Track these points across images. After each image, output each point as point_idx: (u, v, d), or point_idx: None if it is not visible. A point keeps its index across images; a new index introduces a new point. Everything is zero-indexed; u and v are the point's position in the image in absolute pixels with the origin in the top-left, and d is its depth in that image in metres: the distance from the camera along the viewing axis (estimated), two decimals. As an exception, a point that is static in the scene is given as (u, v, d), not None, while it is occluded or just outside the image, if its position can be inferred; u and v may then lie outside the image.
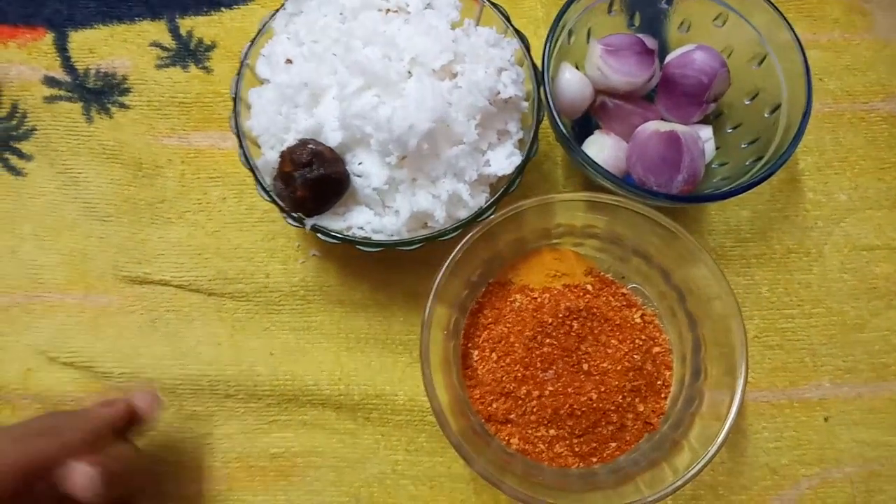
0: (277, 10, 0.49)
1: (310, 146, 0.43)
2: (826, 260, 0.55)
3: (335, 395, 0.51)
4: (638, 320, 0.50)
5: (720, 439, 0.43)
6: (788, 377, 0.53)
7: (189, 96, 0.57)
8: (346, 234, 0.46)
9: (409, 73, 0.45)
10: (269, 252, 0.54)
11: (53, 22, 0.58)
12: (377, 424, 0.51)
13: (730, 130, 0.54)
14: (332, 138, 0.45)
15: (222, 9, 0.59)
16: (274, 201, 0.46)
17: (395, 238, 0.46)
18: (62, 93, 0.56)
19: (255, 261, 0.54)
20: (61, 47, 0.58)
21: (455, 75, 0.46)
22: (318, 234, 0.46)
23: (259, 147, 0.48)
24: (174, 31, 0.58)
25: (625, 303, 0.51)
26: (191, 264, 0.54)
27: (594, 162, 0.48)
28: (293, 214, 0.46)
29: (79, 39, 0.58)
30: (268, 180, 0.46)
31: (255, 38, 0.48)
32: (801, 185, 0.57)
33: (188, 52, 0.58)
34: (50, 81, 0.57)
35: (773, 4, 0.51)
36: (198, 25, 0.59)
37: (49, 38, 0.58)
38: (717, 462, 0.51)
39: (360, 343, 0.53)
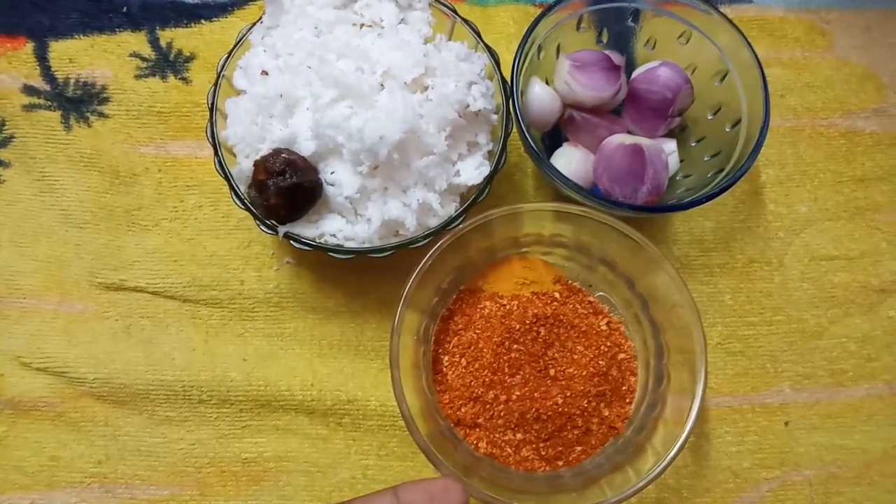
0: (255, 24, 0.50)
1: (283, 155, 0.44)
2: (786, 269, 0.57)
3: (307, 400, 0.52)
4: (604, 327, 0.52)
5: (680, 442, 0.44)
6: (750, 383, 0.55)
7: (167, 106, 0.58)
8: (318, 241, 0.47)
9: (382, 85, 0.46)
10: (243, 259, 0.55)
11: (34, 31, 0.59)
12: (349, 430, 0.52)
13: (694, 144, 0.56)
14: (306, 148, 0.46)
15: (202, 21, 0.60)
16: (248, 209, 0.47)
17: (366, 245, 0.47)
18: (41, 101, 0.57)
19: (229, 268, 0.55)
20: (41, 56, 0.58)
21: (426, 88, 0.47)
22: (292, 242, 0.47)
23: (235, 156, 0.49)
24: (154, 43, 0.59)
25: (591, 310, 0.52)
26: (166, 271, 0.54)
27: (561, 174, 0.49)
28: (267, 222, 0.47)
29: (59, 49, 0.59)
30: (242, 188, 0.48)
31: (232, 51, 0.50)
32: (762, 197, 0.59)
33: (167, 63, 0.59)
34: (29, 90, 0.57)
35: (734, 24, 0.53)
36: (177, 37, 0.60)
37: (29, 47, 0.59)
38: (681, 465, 0.52)
39: (332, 349, 0.54)
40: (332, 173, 0.46)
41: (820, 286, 0.57)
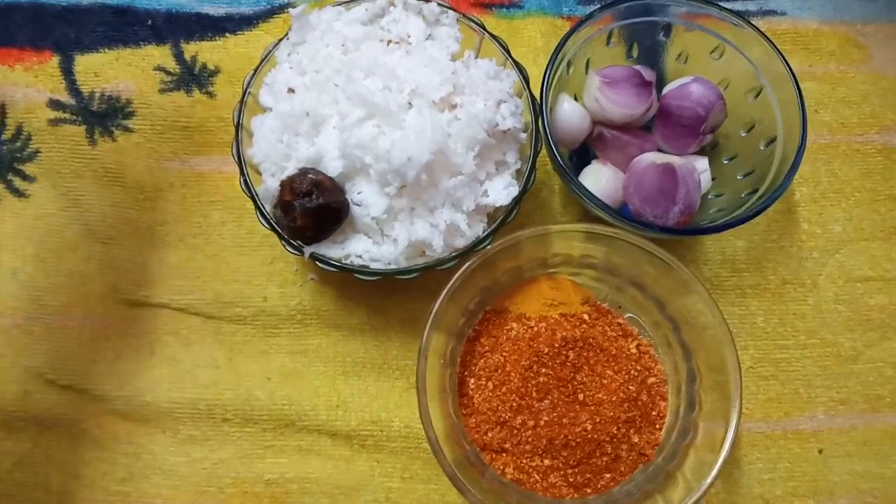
0: (281, 40, 0.50)
1: (310, 175, 0.44)
2: (821, 291, 0.56)
3: (331, 420, 0.51)
4: (633, 350, 0.50)
5: (714, 473, 0.43)
6: (783, 408, 0.53)
7: (192, 121, 0.58)
8: (344, 262, 0.46)
9: (410, 103, 0.46)
10: (267, 276, 0.55)
11: (60, 45, 0.59)
12: (372, 451, 0.51)
13: (726, 161, 0.55)
14: (333, 167, 0.45)
15: (227, 35, 0.60)
16: (273, 229, 0.46)
17: (392, 267, 0.46)
18: (66, 115, 0.57)
19: (253, 284, 0.54)
20: (67, 70, 0.58)
21: (454, 107, 0.46)
22: (317, 263, 0.46)
23: (260, 174, 0.48)
24: (178, 56, 0.59)
25: (621, 333, 0.51)
26: (189, 287, 0.54)
27: (591, 193, 0.48)
28: (292, 242, 0.46)
29: (84, 63, 0.59)
30: (268, 207, 0.47)
31: (258, 67, 0.49)
32: (796, 216, 0.57)
33: (192, 77, 0.59)
34: (55, 104, 0.57)
35: (767, 38, 0.52)
36: (202, 51, 0.59)
37: (55, 61, 0.58)
38: (711, 493, 0.51)
39: (356, 368, 0.53)
40: (358, 193, 0.46)
41: (855, 308, 0.55)
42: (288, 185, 0.44)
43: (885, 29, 0.62)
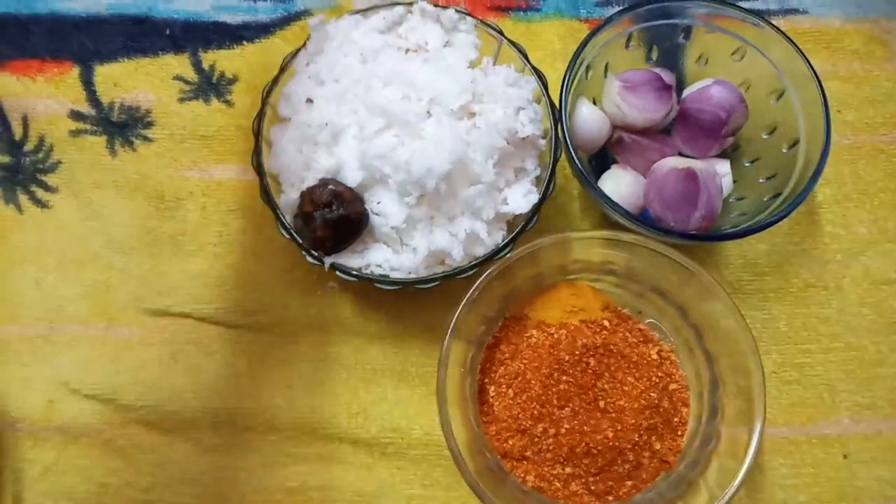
0: (298, 50, 0.50)
1: (330, 187, 0.44)
2: (845, 294, 0.55)
3: (352, 428, 0.52)
4: (655, 357, 0.50)
5: (738, 481, 0.43)
6: (806, 413, 0.53)
7: (210, 129, 0.58)
8: (364, 271, 0.47)
9: (429, 112, 0.45)
10: (287, 284, 0.55)
11: (80, 56, 0.59)
12: (393, 459, 0.51)
13: (747, 164, 0.54)
14: (352, 178, 0.45)
15: (244, 43, 0.60)
16: (294, 239, 0.46)
17: (412, 276, 0.46)
18: (87, 126, 0.58)
19: (273, 292, 0.55)
20: (87, 81, 0.59)
21: (473, 115, 0.46)
22: (337, 272, 0.46)
23: (279, 184, 0.48)
24: (197, 65, 0.59)
25: (641, 339, 0.51)
26: (211, 296, 0.54)
27: (611, 200, 0.48)
28: (312, 252, 0.46)
29: (104, 73, 0.59)
30: (288, 218, 0.47)
31: (277, 77, 0.49)
32: (819, 218, 0.57)
33: (210, 86, 0.59)
34: (76, 115, 0.58)
35: (788, 38, 0.51)
36: (220, 59, 0.60)
37: (75, 71, 0.59)
38: (734, 499, 0.50)
39: (376, 375, 0.53)
40: (378, 203, 0.46)
41: (880, 311, 0.54)
42: (308, 196, 0.44)
43: (910, 25, 0.61)
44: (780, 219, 0.47)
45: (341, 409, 0.52)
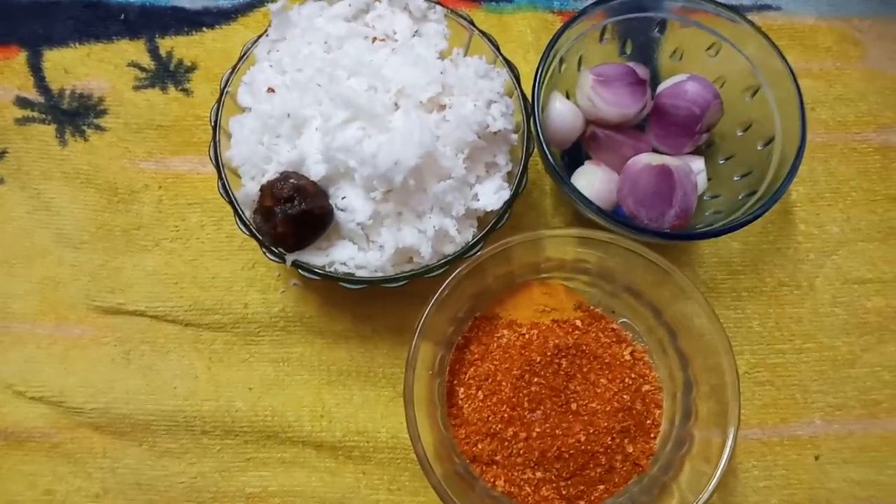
0: (260, 36, 0.47)
1: (291, 180, 0.42)
2: (817, 293, 0.54)
3: (316, 431, 0.50)
4: (627, 357, 0.49)
5: (711, 487, 0.42)
6: (779, 414, 0.52)
7: (167, 119, 0.55)
8: (328, 269, 0.45)
9: (396, 104, 0.43)
10: (248, 281, 0.53)
11: (28, 40, 0.56)
12: (358, 462, 0.50)
13: (722, 161, 0.53)
14: (315, 171, 0.43)
15: (204, 29, 0.58)
16: (254, 236, 0.44)
17: (378, 274, 0.44)
18: (35, 114, 0.54)
19: (233, 290, 0.52)
20: (35, 66, 0.56)
21: (443, 107, 0.44)
22: (300, 270, 0.44)
23: (239, 177, 0.46)
24: (153, 52, 0.57)
25: (614, 339, 0.50)
26: (167, 294, 0.52)
27: (585, 197, 0.46)
28: (273, 249, 0.44)
29: (54, 59, 0.56)
30: (247, 212, 0.45)
31: (236, 65, 0.47)
32: (793, 217, 0.56)
33: (167, 73, 0.56)
34: (22, 102, 0.55)
35: (764, 34, 0.50)
36: (178, 46, 0.57)
37: (22, 56, 0.56)
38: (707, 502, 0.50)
39: (341, 376, 0.51)
40: (342, 198, 0.44)
41: (852, 311, 0.54)
42: (268, 189, 0.42)
43: (882, 24, 0.61)
44: (756, 217, 0.47)
45: (304, 412, 0.50)
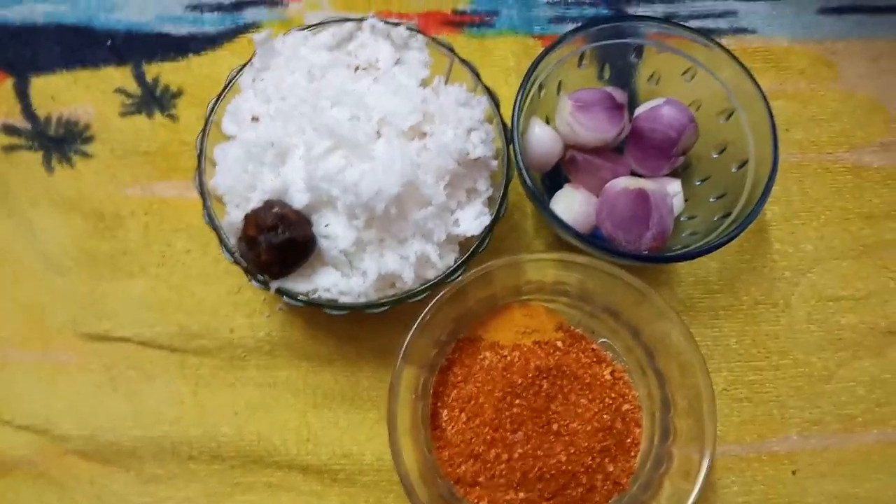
0: (244, 66, 0.48)
1: (275, 209, 0.42)
2: (793, 311, 0.55)
3: (302, 455, 0.50)
4: (608, 377, 0.50)
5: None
6: (757, 430, 0.53)
7: (154, 145, 0.56)
8: (312, 296, 0.45)
9: (378, 133, 0.44)
10: (233, 306, 0.53)
11: (14, 66, 0.57)
12: (344, 485, 0.50)
13: (698, 183, 0.55)
14: (298, 199, 0.44)
15: (189, 55, 0.58)
16: (238, 263, 0.45)
17: (362, 300, 0.45)
18: (22, 141, 0.55)
19: (219, 315, 0.53)
20: (22, 93, 0.56)
21: (424, 135, 0.45)
22: (284, 297, 0.45)
23: (224, 204, 0.47)
24: (140, 78, 0.57)
25: (595, 359, 0.50)
26: (153, 319, 0.52)
27: (563, 222, 0.47)
28: (258, 276, 0.45)
29: (40, 85, 0.57)
30: (232, 240, 0.46)
31: (221, 94, 0.48)
32: (768, 236, 0.57)
33: (153, 99, 0.57)
34: (9, 129, 0.55)
35: (736, 59, 0.51)
36: (164, 72, 0.58)
37: (9, 83, 0.56)
38: (687, 519, 0.51)
39: (326, 399, 0.52)
40: (326, 226, 0.44)
41: (827, 328, 0.55)
42: (252, 218, 0.43)
43: (855, 46, 0.62)
44: (731, 239, 0.48)
45: (290, 436, 0.51)
